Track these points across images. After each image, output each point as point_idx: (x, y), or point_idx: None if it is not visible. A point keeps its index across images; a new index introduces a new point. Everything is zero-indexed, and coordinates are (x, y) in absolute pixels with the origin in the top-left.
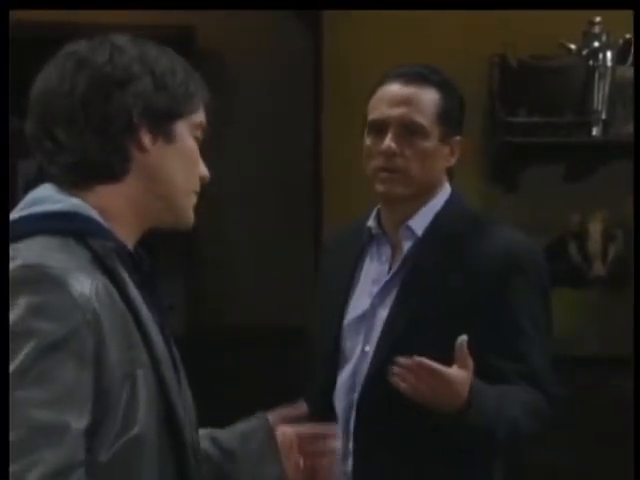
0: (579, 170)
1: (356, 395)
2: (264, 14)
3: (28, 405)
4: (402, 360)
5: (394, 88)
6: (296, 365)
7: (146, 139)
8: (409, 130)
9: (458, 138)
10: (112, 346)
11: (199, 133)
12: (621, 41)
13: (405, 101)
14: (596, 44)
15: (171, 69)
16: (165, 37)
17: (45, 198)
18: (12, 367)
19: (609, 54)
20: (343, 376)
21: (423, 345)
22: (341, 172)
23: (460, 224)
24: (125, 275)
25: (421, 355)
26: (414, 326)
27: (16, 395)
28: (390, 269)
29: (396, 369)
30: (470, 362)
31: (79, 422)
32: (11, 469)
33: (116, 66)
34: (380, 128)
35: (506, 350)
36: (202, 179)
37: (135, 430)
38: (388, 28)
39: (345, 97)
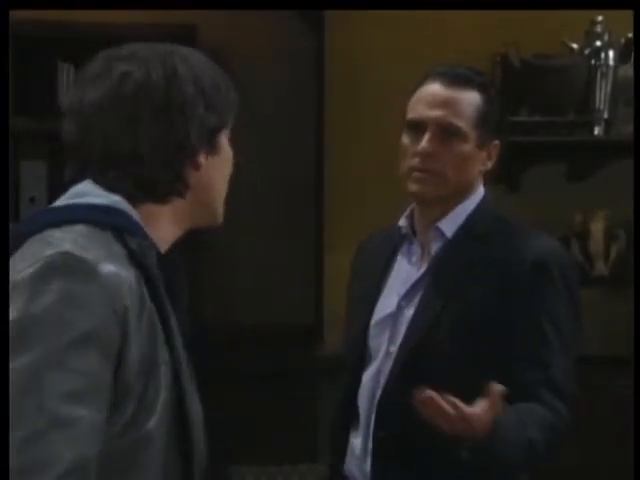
0: (581, 169)
1: (378, 395)
2: (267, 13)
3: (51, 396)
4: (424, 394)
5: (435, 88)
6: (298, 364)
7: (202, 159)
8: (447, 132)
9: (496, 142)
10: (136, 341)
11: (230, 137)
12: (623, 40)
13: (445, 103)
14: (598, 43)
15: (216, 84)
16: (167, 36)
17: (87, 192)
18: (38, 354)
19: (611, 53)
20: (367, 375)
21: (445, 347)
22: (343, 173)
23: (489, 226)
24: (158, 274)
25: (442, 359)
26: (438, 327)
27: (40, 384)
28: (419, 270)
29: (416, 399)
30: (499, 406)
31: (99, 415)
32: (26, 461)
33: (174, 91)
34: (418, 128)
35: (529, 357)
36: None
37: (148, 427)
38: (390, 28)
39: (348, 97)
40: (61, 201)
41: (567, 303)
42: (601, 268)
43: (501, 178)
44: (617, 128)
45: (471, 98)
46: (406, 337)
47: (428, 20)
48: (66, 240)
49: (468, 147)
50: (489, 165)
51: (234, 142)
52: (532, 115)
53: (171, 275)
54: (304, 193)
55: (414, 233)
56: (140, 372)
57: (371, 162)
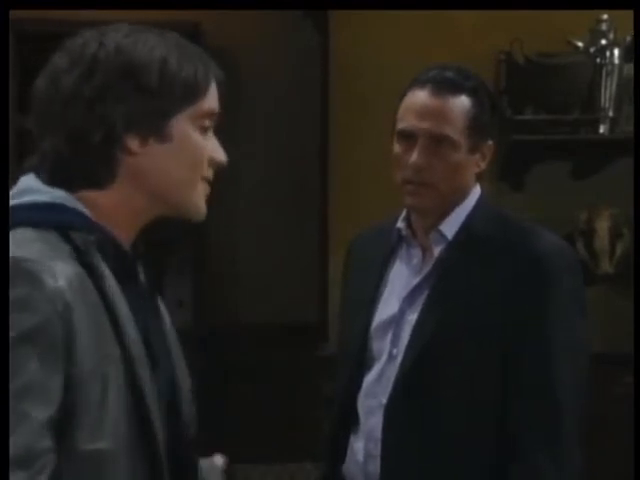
0: (586, 168)
1: (383, 399)
2: (271, 12)
3: None
4: None
5: (423, 97)
6: (302, 363)
7: (134, 144)
8: (438, 142)
9: (490, 143)
10: (83, 339)
11: (207, 121)
12: (628, 38)
13: (434, 112)
14: (603, 42)
15: (159, 66)
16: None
17: (30, 189)
18: None
19: (616, 52)
20: (369, 379)
21: (452, 351)
22: (348, 171)
23: (491, 226)
24: (104, 269)
25: (449, 362)
26: (443, 331)
27: None
28: (420, 273)
29: None
30: None
31: (42, 412)
32: None
33: (96, 76)
34: (409, 138)
35: (530, 384)
36: (217, 165)
37: (103, 441)
38: (395, 27)
39: (352, 96)
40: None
41: (573, 302)
42: (606, 266)
43: (506, 176)
44: (622, 126)
45: (461, 104)
46: (412, 341)
47: (433, 19)
48: (10, 245)
49: (460, 155)
50: (483, 166)
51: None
52: (537, 113)
53: (132, 266)
54: (308, 192)
55: (414, 235)
56: (93, 372)
57: (376, 161)
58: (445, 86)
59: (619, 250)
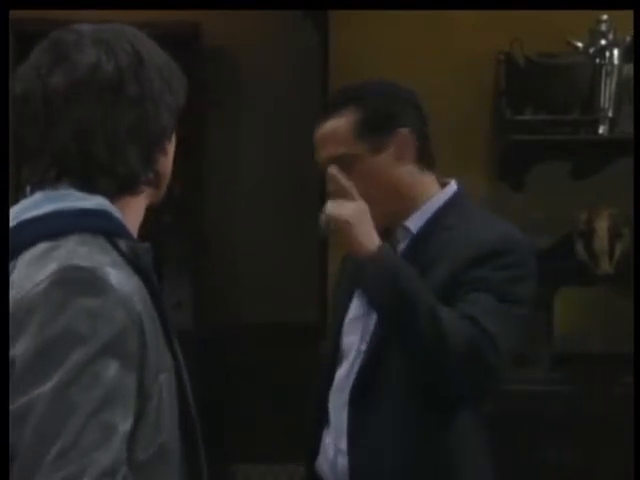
0: (586, 168)
1: (348, 393)
2: (270, 11)
3: (81, 410)
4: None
5: (317, 129)
6: (302, 362)
7: (168, 146)
8: (342, 163)
9: (400, 130)
10: (150, 346)
11: None
12: (628, 39)
13: (324, 140)
14: (603, 42)
15: (169, 66)
16: (170, 34)
17: (71, 195)
18: (62, 371)
19: (616, 52)
20: (339, 374)
21: None
22: None
23: (455, 219)
24: (154, 275)
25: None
26: None
27: (68, 400)
28: None
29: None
30: (345, 185)
31: (125, 423)
32: (64, 473)
33: (143, 79)
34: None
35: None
36: None
37: (163, 437)
38: (396, 27)
39: None
40: (35, 206)
41: (505, 284)
42: (606, 266)
43: (505, 177)
44: (622, 126)
45: (344, 118)
46: (372, 336)
47: (433, 19)
48: (68, 252)
49: (365, 162)
50: (409, 154)
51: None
52: (536, 114)
53: (157, 272)
54: (308, 191)
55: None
56: (155, 376)
57: None
58: (329, 110)
59: (618, 250)
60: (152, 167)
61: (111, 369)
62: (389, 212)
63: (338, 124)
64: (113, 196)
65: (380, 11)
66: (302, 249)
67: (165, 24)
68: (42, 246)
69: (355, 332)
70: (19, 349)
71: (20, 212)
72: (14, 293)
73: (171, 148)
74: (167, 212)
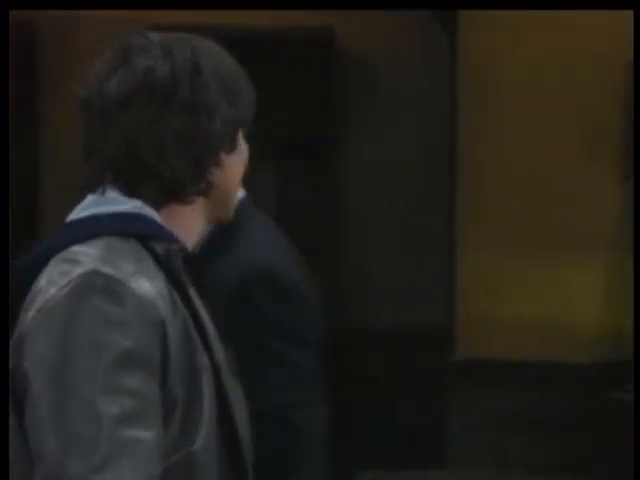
0: None
1: None
2: (400, 13)
3: (108, 422)
4: None
5: None
6: (429, 368)
7: (224, 157)
8: None
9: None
10: (175, 351)
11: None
12: None
13: None
14: None
15: (236, 78)
16: (305, 38)
17: (108, 199)
18: (82, 379)
19: None
20: None
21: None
22: (476, 173)
23: (231, 236)
24: (186, 278)
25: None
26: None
27: (89, 410)
28: None
29: None
30: None
31: (152, 432)
32: None
33: (198, 86)
34: None
35: None
36: None
37: (191, 445)
38: (525, 28)
39: (481, 97)
40: (80, 210)
41: (270, 326)
42: None
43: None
44: None
45: None
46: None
47: (568, 21)
48: (93, 257)
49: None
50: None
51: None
52: None
53: (200, 274)
54: (437, 195)
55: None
56: (182, 381)
57: (505, 163)
58: None
59: None
60: (202, 177)
61: (132, 378)
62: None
63: None
64: (159, 202)
65: (510, 11)
66: (431, 254)
67: (300, 28)
68: (72, 250)
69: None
70: (33, 355)
71: (69, 216)
72: (40, 297)
73: (233, 161)
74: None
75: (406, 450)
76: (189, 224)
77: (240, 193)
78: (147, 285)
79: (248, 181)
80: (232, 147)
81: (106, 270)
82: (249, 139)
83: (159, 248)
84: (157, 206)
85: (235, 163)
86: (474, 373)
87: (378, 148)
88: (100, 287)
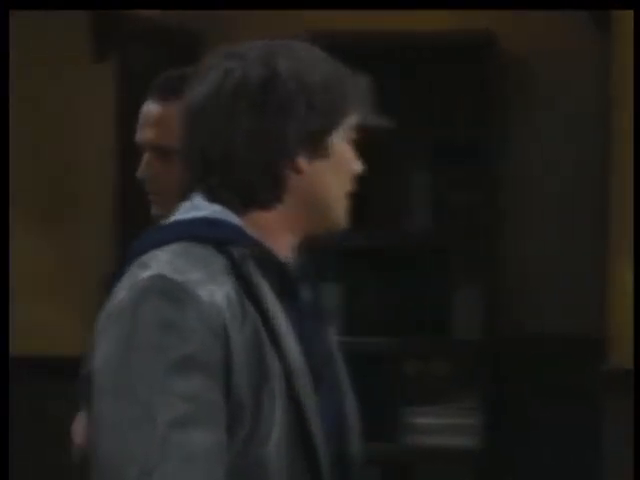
0: None
1: None
2: (555, 13)
3: (162, 425)
4: None
5: (148, 106)
6: (582, 378)
7: (303, 162)
8: (162, 153)
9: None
10: (240, 356)
11: (353, 133)
12: None
13: (154, 122)
14: None
15: (325, 83)
16: (464, 42)
17: (194, 206)
18: (138, 383)
19: None
20: None
21: None
22: (629, 182)
23: None
24: (262, 283)
25: None
26: None
27: (146, 414)
28: None
29: None
30: None
31: (214, 437)
32: None
33: (272, 89)
34: (142, 151)
35: None
36: (356, 176)
37: (260, 449)
38: None
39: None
40: (173, 215)
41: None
42: None
43: None
44: None
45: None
46: None
47: None
48: (162, 262)
49: None
50: None
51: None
52: None
53: (290, 280)
54: (589, 204)
55: None
56: (250, 386)
57: None
58: (167, 91)
59: None
60: (276, 182)
61: (189, 382)
62: None
63: (174, 112)
64: (238, 207)
65: None
66: (585, 263)
67: (459, 32)
68: (148, 254)
69: None
70: (98, 356)
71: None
72: (111, 301)
73: (321, 168)
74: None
75: (559, 464)
76: (275, 232)
77: None
78: (212, 291)
79: (406, 184)
80: (315, 153)
81: (170, 274)
82: (406, 142)
83: (235, 252)
84: (238, 211)
85: (325, 170)
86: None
87: (538, 147)
88: (161, 291)
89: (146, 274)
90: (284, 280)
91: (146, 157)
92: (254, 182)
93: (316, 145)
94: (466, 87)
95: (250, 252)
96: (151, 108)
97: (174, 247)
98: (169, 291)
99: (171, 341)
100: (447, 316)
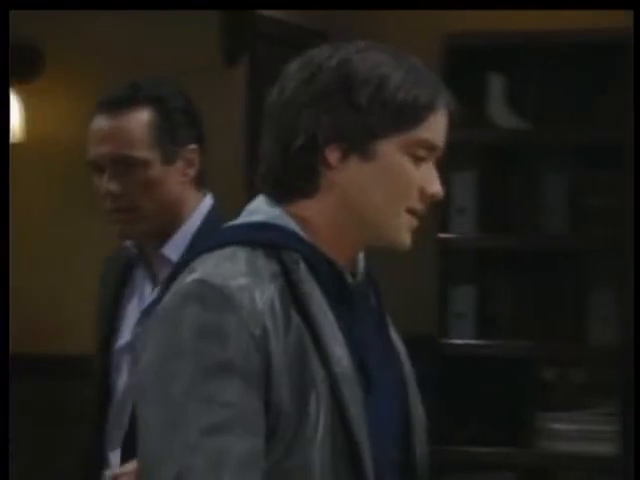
0: None
1: (122, 433)
2: None
3: (194, 431)
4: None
5: (99, 121)
6: None
7: (333, 157)
8: (125, 165)
9: (192, 147)
10: (282, 363)
11: (422, 150)
12: None
13: (111, 136)
14: None
15: (378, 86)
16: (606, 41)
17: (253, 210)
18: (176, 387)
19: None
20: (113, 410)
21: None
22: None
23: None
24: (312, 288)
25: None
26: None
27: (181, 418)
28: (151, 296)
29: None
30: None
31: (250, 444)
32: None
33: (314, 84)
34: (98, 168)
35: None
36: (431, 197)
37: (300, 458)
38: None
39: None
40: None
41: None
42: None
43: None
44: None
45: (139, 119)
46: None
47: None
48: (207, 266)
49: (154, 170)
50: (193, 173)
51: None
52: None
53: (346, 287)
54: None
55: (145, 256)
56: (292, 391)
57: None
58: (119, 104)
59: None
60: (307, 176)
61: (225, 388)
62: (156, 227)
63: (131, 122)
64: (279, 198)
65: None
66: None
67: (597, 32)
68: (199, 258)
69: (124, 364)
70: (143, 358)
71: None
72: (162, 302)
73: (360, 170)
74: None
75: None
76: (330, 239)
77: (207, 203)
78: (254, 296)
79: (542, 186)
80: (350, 151)
81: (211, 279)
82: (544, 143)
83: (286, 256)
84: (280, 202)
85: (369, 174)
86: None
87: None
88: (200, 296)
89: (190, 279)
90: (339, 286)
91: (108, 173)
92: (291, 169)
93: (352, 143)
94: (607, 87)
95: (304, 258)
96: (102, 123)
97: (223, 251)
98: (209, 296)
99: (208, 347)
100: (583, 320)
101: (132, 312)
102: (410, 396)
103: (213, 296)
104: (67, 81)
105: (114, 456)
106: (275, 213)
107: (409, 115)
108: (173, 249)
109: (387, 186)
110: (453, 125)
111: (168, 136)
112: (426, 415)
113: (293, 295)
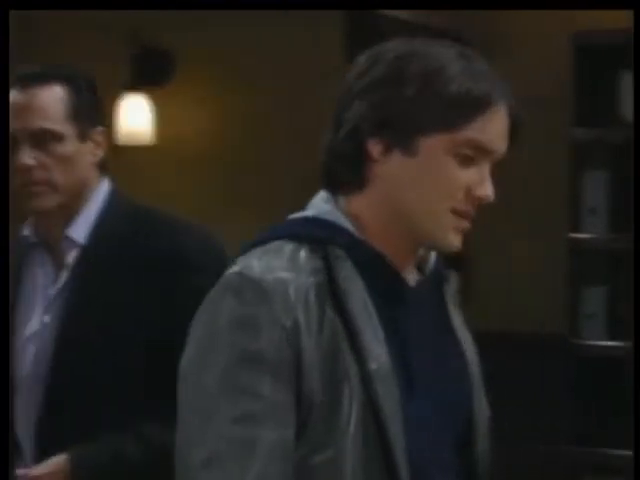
0: None
1: (32, 421)
2: None
3: (224, 420)
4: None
5: (13, 95)
6: None
7: (375, 150)
8: (40, 138)
9: (100, 129)
10: (314, 357)
11: (470, 151)
12: None
13: (26, 108)
14: None
15: (426, 82)
16: None
17: (309, 205)
18: (209, 376)
19: None
20: (20, 400)
21: (96, 363)
22: None
23: (124, 225)
24: (355, 284)
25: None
26: (87, 344)
27: (212, 408)
28: (56, 283)
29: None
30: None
31: (278, 435)
32: None
33: (367, 76)
34: (15, 141)
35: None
36: (479, 200)
37: (340, 446)
38: None
39: None
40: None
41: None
42: None
43: None
44: None
45: (53, 94)
46: (54, 359)
47: None
48: (250, 259)
49: (68, 146)
50: (101, 154)
51: None
52: None
53: (397, 284)
54: None
55: (47, 242)
56: (324, 385)
57: None
58: (32, 79)
59: None
60: (352, 169)
61: (256, 379)
62: (65, 205)
63: (46, 96)
64: (337, 193)
65: None
66: None
67: None
68: (248, 253)
69: (29, 353)
70: (187, 347)
71: None
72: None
73: (403, 164)
74: None
75: None
76: (381, 236)
77: (105, 185)
78: (289, 290)
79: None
80: (392, 144)
81: (249, 272)
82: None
83: (332, 252)
84: (332, 192)
85: (405, 168)
86: None
87: None
88: (236, 288)
89: (230, 271)
90: (390, 282)
91: (25, 146)
92: (339, 160)
93: (395, 137)
94: None
95: (350, 254)
96: (17, 97)
97: (271, 245)
98: (245, 289)
99: (242, 338)
100: None
101: (33, 298)
102: (474, 396)
103: (249, 289)
104: (195, 85)
105: (26, 444)
106: (326, 208)
107: (459, 109)
108: (78, 231)
109: (428, 184)
110: (583, 124)
111: (81, 113)
112: (564, 416)
113: (332, 291)
